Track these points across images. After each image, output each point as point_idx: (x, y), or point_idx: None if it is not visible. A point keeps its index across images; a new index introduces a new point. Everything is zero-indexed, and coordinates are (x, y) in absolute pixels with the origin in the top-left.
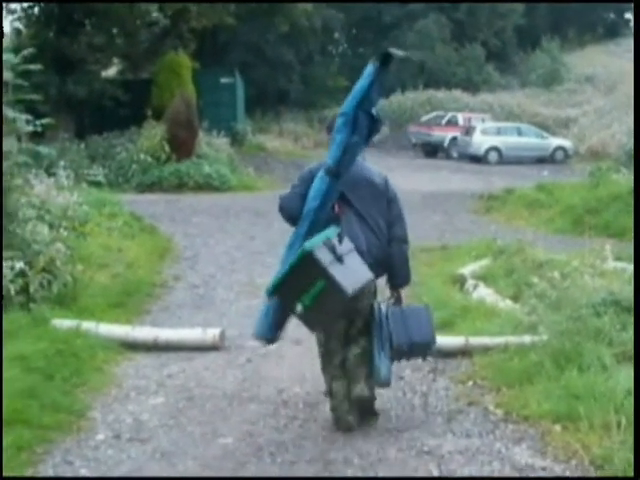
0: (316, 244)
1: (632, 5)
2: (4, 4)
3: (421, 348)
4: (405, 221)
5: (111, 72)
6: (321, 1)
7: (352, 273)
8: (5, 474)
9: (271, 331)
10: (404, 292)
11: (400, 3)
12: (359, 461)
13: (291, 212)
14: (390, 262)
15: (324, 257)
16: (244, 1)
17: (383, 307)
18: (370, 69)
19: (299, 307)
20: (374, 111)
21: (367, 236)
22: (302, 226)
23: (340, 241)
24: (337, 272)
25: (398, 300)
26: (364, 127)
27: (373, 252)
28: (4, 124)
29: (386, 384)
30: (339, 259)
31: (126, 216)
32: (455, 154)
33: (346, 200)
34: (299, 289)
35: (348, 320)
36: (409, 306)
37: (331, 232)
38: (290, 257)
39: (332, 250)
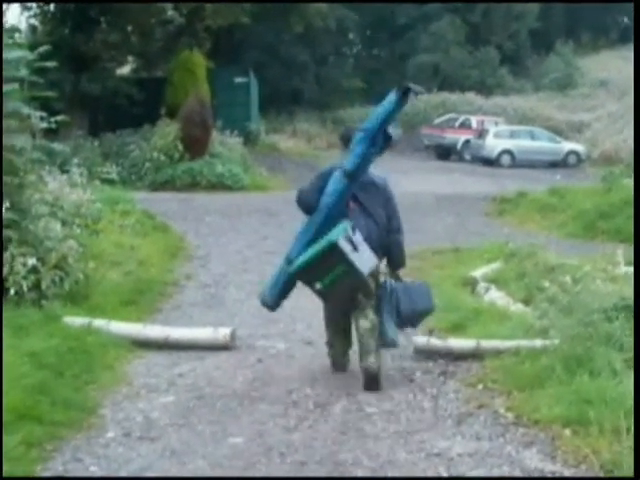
0: (338, 236)
1: None
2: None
3: (423, 314)
4: (399, 214)
5: (126, 70)
6: (337, 1)
7: (365, 259)
8: (15, 471)
9: (275, 300)
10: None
11: (415, 4)
12: (369, 462)
13: (309, 204)
14: (388, 249)
15: (346, 247)
16: (259, 0)
17: (390, 284)
18: (392, 97)
19: (318, 285)
20: (390, 130)
21: (369, 227)
22: (318, 216)
23: (354, 232)
24: (355, 259)
25: (397, 279)
26: (380, 142)
27: (374, 239)
28: (19, 121)
29: (392, 345)
30: (355, 248)
31: (139, 214)
32: (468, 157)
33: (356, 198)
34: (320, 271)
35: (349, 294)
36: (412, 282)
37: (346, 225)
38: (303, 239)
39: (350, 241)
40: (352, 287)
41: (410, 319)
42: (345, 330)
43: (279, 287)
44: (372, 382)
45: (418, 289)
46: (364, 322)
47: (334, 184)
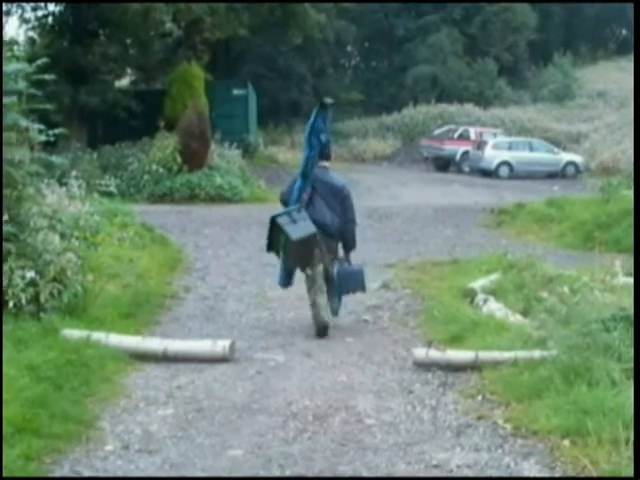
0: (279, 214)
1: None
2: (17, 14)
3: (356, 291)
4: (354, 208)
5: (124, 82)
6: (337, 1)
7: (299, 229)
8: None
9: (285, 281)
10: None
11: (414, 15)
12: (368, 474)
13: (285, 200)
14: (343, 235)
15: (282, 220)
16: (260, 0)
17: (335, 269)
18: (315, 110)
19: (281, 254)
20: (322, 136)
21: (331, 215)
22: (290, 206)
23: (298, 212)
24: (289, 228)
25: (347, 260)
26: (317, 146)
27: (335, 224)
28: (18, 133)
29: (335, 313)
30: (293, 221)
31: (137, 227)
32: (466, 168)
33: (317, 192)
34: (277, 242)
35: (323, 265)
36: (351, 267)
37: (292, 208)
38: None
39: (289, 216)
40: (297, 255)
41: (345, 293)
42: (321, 288)
43: (282, 269)
44: (322, 331)
45: (355, 274)
46: (321, 298)
47: (296, 184)
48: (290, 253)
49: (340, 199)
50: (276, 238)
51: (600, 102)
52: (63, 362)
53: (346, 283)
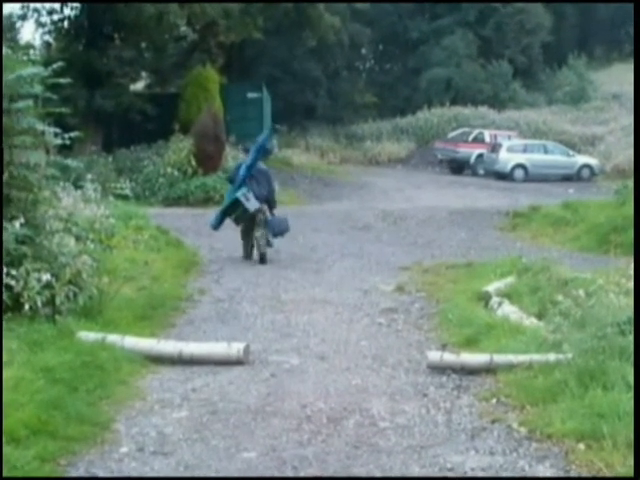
0: (240, 193)
1: None
2: (33, 18)
3: (284, 232)
4: (275, 186)
5: (139, 86)
6: (351, 1)
7: (252, 204)
8: None
9: (217, 226)
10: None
11: (428, 17)
12: (382, 477)
13: (232, 180)
14: (269, 200)
15: (242, 198)
16: (274, 0)
17: (269, 216)
18: (266, 132)
19: (232, 217)
20: (268, 145)
21: (260, 190)
22: (235, 186)
23: (248, 192)
24: (247, 204)
25: (272, 214)
26: (263, 151)
27: (263, 196)
28: (33, 137)
29: (270, 245)
30: (247, 199)
31: (152, 229)
32: (481, 171)
33: (253, 175)
34: (232, 210)
35: (251, 221)
36: (279, 217)
37: (245, 189)
38: (229, 197)
39: (245, 195)
40: (247, 217)
41: (277, 234)
42: (249, 237)
43: (219, 219)
44: (263, 259)
45: (282, 221)
46: (258, 233)
47: (242, 170)
48: (242, 218)
49: (266, 179)
50: (234, 208)
51: (615, 104)
52: (78, 364)
53: (277, 227)
